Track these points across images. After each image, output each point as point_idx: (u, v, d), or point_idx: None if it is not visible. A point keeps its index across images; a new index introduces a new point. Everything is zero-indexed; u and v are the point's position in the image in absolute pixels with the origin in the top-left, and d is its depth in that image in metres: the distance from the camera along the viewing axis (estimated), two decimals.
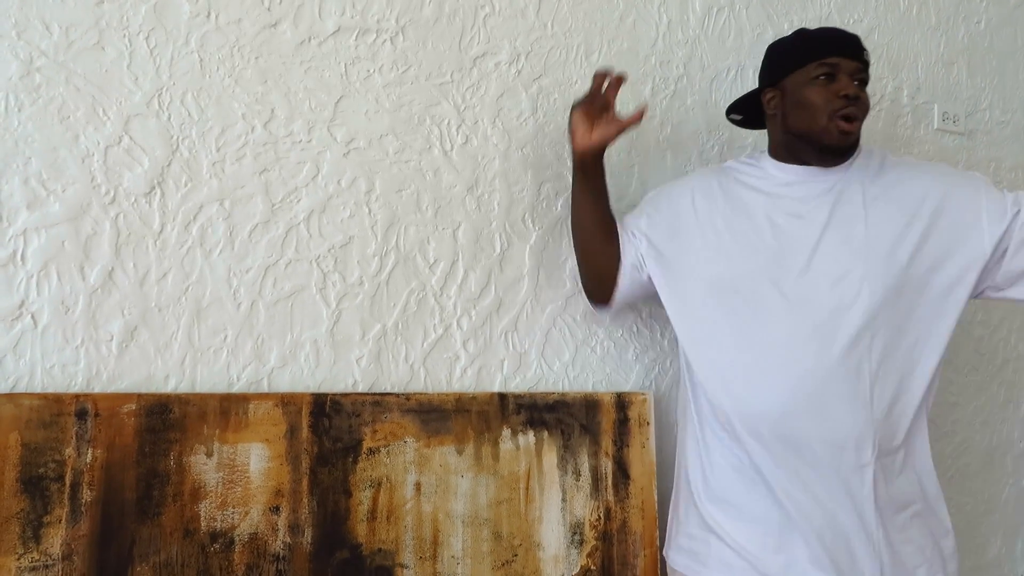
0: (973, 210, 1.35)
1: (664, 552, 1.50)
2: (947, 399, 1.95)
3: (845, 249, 1.33)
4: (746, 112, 1.56)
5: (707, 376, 1.38)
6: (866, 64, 1.39)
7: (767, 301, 1.33)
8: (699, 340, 1.40)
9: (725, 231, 1.40)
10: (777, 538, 1.31)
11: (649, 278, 1.48)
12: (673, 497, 1.51)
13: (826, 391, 1.29)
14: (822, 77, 1.36)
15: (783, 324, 1.32)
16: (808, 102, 1.36)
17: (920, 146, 1.97)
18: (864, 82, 1.39)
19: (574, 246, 1.53)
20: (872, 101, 1.92)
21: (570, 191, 1.52)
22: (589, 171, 1.46)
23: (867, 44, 1.91)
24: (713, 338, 1.38)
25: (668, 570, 1.48)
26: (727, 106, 1.58)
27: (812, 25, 1.85)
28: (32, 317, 1.27)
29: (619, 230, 1.50)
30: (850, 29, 1.88)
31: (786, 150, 1.42)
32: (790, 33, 1.47)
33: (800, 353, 1.30)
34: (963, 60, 2.05)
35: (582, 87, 1.63)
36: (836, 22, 1.88)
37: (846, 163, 1.40)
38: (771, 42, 1.50)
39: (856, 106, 1.34)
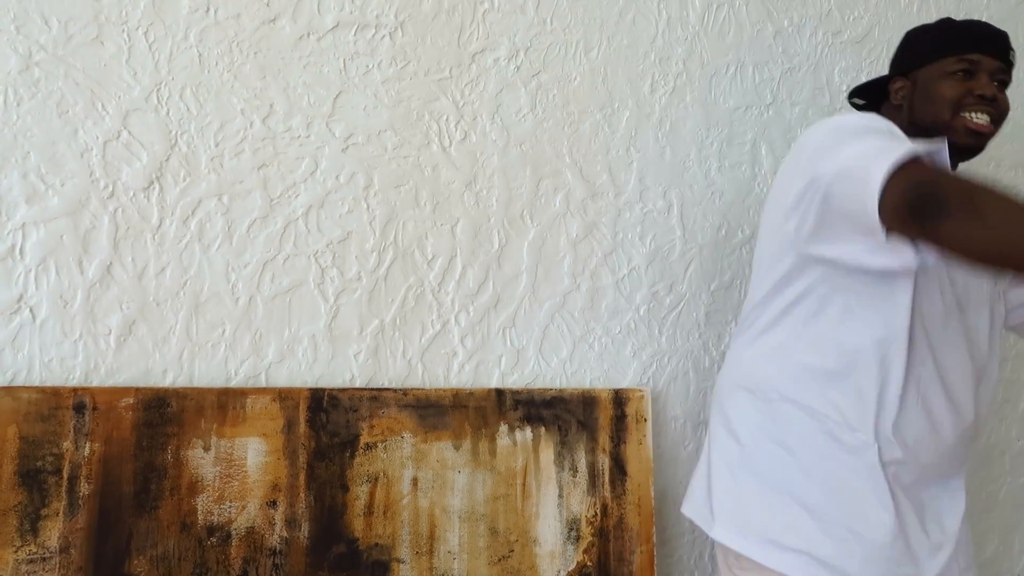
0: None
1: (750, 546, 1.26)
2: None
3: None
4: (867, 97, 1.48)
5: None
6: (1010, 65, 1.31)
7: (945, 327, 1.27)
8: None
9: None
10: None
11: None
12: (750, 481, 1.29)
13: (960, 418, 1.28)
14: (960, 73, 1.28)
15: (956, 351, 1.28)
16: (939, 96, 1.28)
17: None
18: (1005, 84, 1.31)
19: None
20: None
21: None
22: None
23: (867, 41, 1.92)
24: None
25: (746, 563, 1.28)
26: (850, 91, 1.52)
27: (811, 23, 1.85)
28: (31, 311, 1.27)
29: None
30: (850, 25, 1.89)
31: None
32: (934, 21, 1.39)
33: (963, 383, 1.29)
34: None
35: (581, 84, 1.63)
36: (836, 18, 1.88)
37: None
38: (911, 28, 1.43)
39: (993, 107, 1.26)
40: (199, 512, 1.30)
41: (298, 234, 1.42)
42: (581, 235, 1.62)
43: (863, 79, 1.90)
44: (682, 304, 1.69)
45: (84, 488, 1.24)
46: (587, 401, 1.55)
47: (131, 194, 1.33)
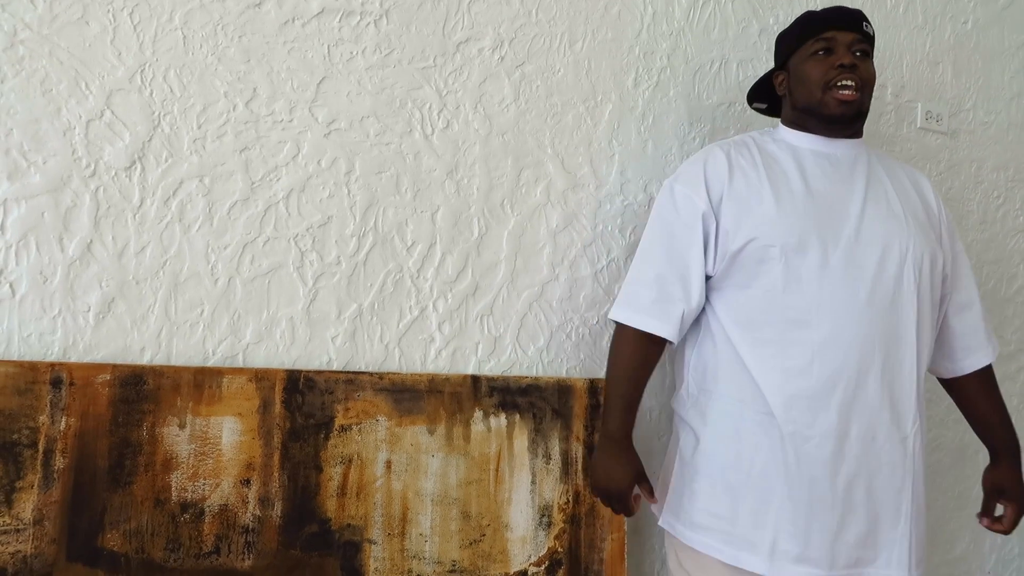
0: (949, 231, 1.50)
1: (673, 526, 1.41)
2: None
3: (888, 218, 1.37)
4: (767, 99, 1.61)
5: (764, 351, 1.33)
6: (867, 36, 1.42)
7: (822, 269, 1.31)
8: (757, 310, 1.35)
9: (771, 199, 1.35)
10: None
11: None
12: (687, 472, 1.41)
13: (879, 359, 1.31)
14: (820, 52, 1.41)
15: (840, 292, 1.31)
16: (807, 77, 1.41)
17: (903, 144, 1.99)
18: (865, 53, 1.42)
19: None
20: None
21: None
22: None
23: None
24: (772, 310, 1.34)
25: (678, 545, 1.41)
26: (747, 95, 1.64)
27: None
28: (10, 286, 1.28)
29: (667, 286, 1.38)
30: None
31: (799, 126, 1.46)
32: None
33: (858, 320, 1.31)
34: (948, 59, 2.06)
35: (565, 76, 1.65)
36: None
37: (861, 139, 1.46)
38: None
39: (853, 74, 1.37)
40: (173, 488, 1.32)
41: (279, 217, 1.44)
42: (561, 226, 1.63)
43: None
44: None
45: (59, 462, 1.26)
46: (562, 390, 1.57)
47: (113, 173, 1.34)
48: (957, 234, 1.53)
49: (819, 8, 1.51)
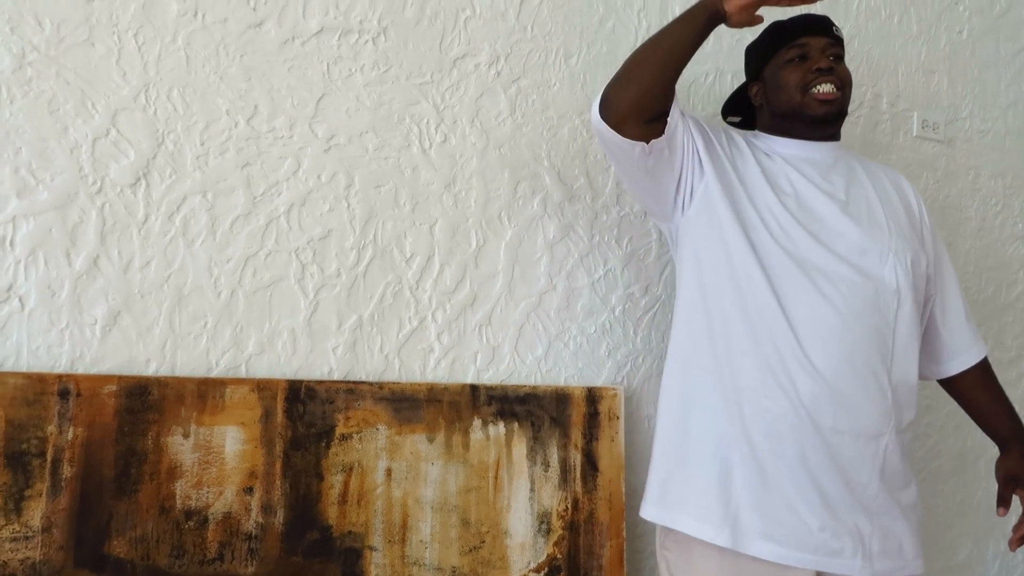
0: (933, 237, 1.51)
1: (667, 521, 1.37)
2: (920, 402, 1.95)
3: (869, 222, 1.39)
4: (741, 113, 1.63)
5: (740, 345, 1.32)
6: (838, 40, 1.45)
7: (804, 271, 1.32)
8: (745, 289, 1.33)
9: (757, 194, 1.37)
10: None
11: (688, 165, 1.38)
12: (670, 458, 1.38)
13: (855, 365, 1.30)
14: (795, 59, 1.43)
15: (820, 295, 1.31)
16: (785, 83, 1.43)
17: (899, 153, 2.00)
18: (839, 57, 1.45)
19: (634, 61, 1.31)
20: (851, 107, 1.95)
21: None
22: (714, 22, 1.28)
23: (848, 51, 1.95)
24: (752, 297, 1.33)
25: (670, 538, 1.37)
26: (721, 109, 1.66)
27: None
28: (19, 300, 1.32)
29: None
30: None
31: (779, 132, 1.47)
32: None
33: (839, 323, 1.30)
34: (944, 68, 2.08)
35: (560, 90, 1.68)
36: None
37: (839, 141, 1.48)
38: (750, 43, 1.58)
39: (831, 76, 1.40)
40: (177, 496, 1.35)
41: (280, 231, 1.47)
42: (558, 236, 1.66)
43: None
44: (657, 306, 1.73)
45: (67, 471, 1.29)
46: (560, 398, 1.60)
47: (118, 190, 1.38)
48: (939, 235, 1.55)
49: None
